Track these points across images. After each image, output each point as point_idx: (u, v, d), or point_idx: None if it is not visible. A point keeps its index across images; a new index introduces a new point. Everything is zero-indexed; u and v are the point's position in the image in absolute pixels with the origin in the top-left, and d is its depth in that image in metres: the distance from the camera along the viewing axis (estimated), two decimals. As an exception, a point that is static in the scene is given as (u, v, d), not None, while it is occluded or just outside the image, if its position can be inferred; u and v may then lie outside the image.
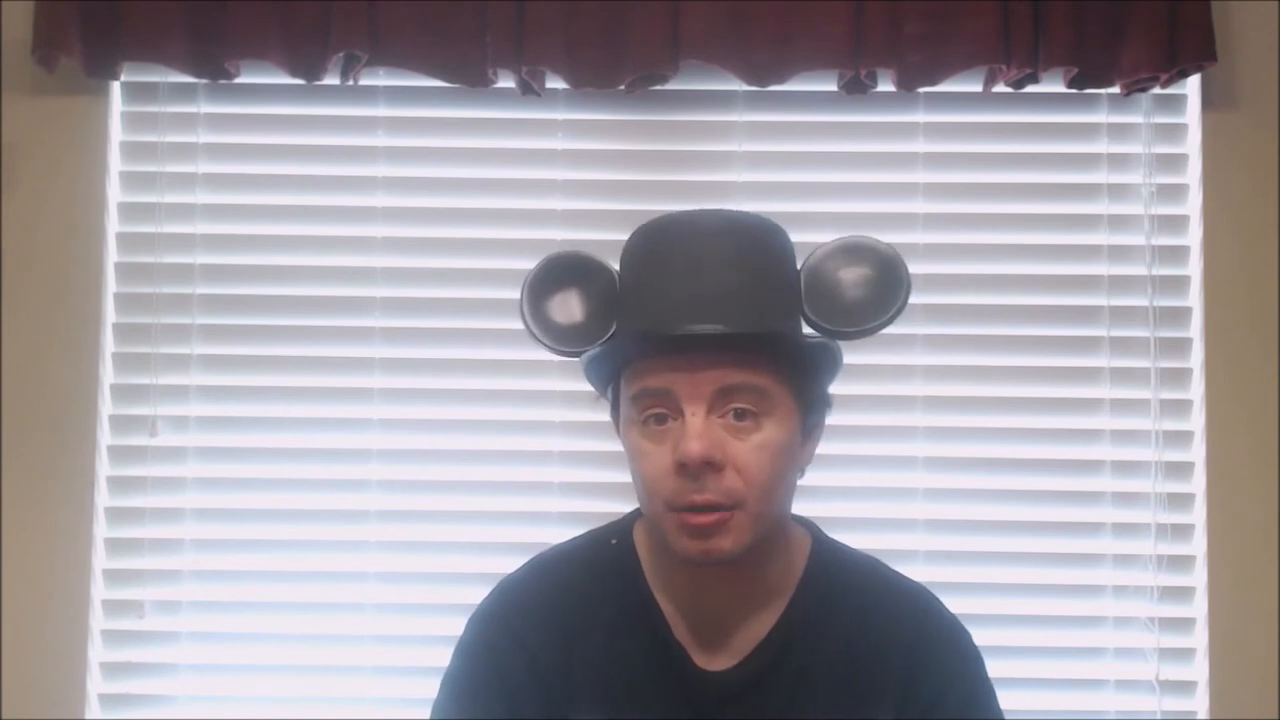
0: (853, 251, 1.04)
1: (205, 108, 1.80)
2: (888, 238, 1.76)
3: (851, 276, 1.02)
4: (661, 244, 1.01)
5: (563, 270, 1.05)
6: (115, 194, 1.80)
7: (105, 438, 1.77)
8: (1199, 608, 1.74)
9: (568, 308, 1.04)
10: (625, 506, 1.16)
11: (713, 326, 0.95)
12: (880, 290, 1.02)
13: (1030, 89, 1.73)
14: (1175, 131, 1.80)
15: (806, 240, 1.07)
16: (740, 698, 1.05)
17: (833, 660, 1.05)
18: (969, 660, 1.09)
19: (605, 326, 1.03)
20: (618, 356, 1.01)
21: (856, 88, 1.73)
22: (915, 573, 1.15)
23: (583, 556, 1.11)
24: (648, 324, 0.97)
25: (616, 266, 1.05)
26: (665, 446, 0.96)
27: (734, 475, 0.95)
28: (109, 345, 1.78)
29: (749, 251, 1.00)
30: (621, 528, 1.13)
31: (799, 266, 1.04)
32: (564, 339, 1.03)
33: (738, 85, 1.75)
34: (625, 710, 1.05)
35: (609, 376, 1.05)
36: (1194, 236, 1.78)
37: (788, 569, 1.08)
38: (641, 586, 1.08)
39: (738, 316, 0.96)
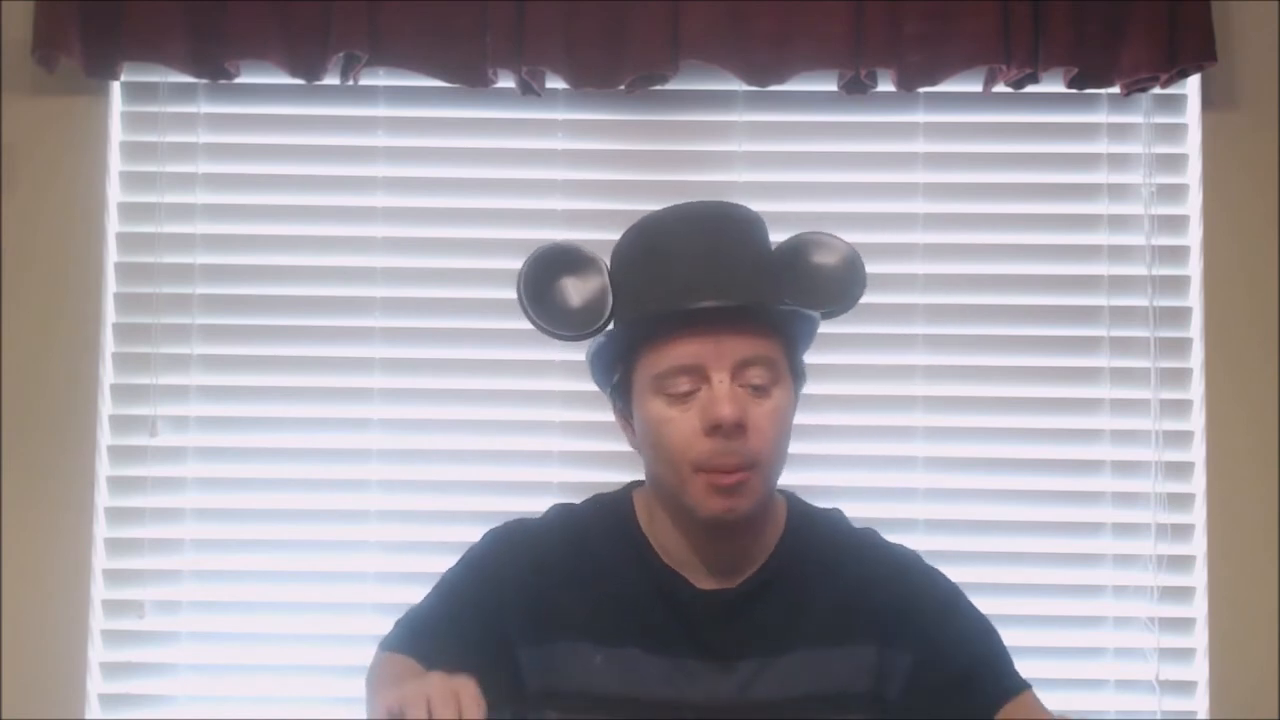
0: (820, 245, 1.14)
1: (205, 108, 1.80)
2: (888, 238, 1.79)
3: (823, 263, 1.13)
4: (666, 231, 1.10)
5: (557, 259, 1.13)
6: (115, 194, 1.80)
7: (105, 438, 1.77)
8: (1199, 608, 1.74)
9: (568, 293, 1.11)
10: (625, 507, 1.17)
11: (740, 301, 1.05)
12: (847, 277, 1.13)
13: (1030, 89, 1.73)
14: (1175, 131, 1.80)
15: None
16: (732, 614, 1.11)
17: (816, 593, 1.13)
18: (944, 586, 1.19)
19: (603, 311, 1.11)
20: (638, 334, 1.08)
21: (856, 88, 1.73)
22: (915, 572, 1.17)
23: (590, 510, 1.20)
24: (673, 301, 1.05)
25: (605, 259, 1.14)
26: (691, 413, 1.04)
27: (755, 437, 1.04)
28: (109, 345, 1.78)
29: (745, 234, 1.10)
30: (620, 493, 1.21)
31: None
32: (569, 323, 1.11)
33: (738, 85, 1.75)
34: (617, 630, 1.11)
35: (618, 358, 1.11)
36: (1194, 236, 1.78)
37: (771, 528, 1.15)
38: (636, 531, 1.15)
39: (755, 292, 1.06)
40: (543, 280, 1.11)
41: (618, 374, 1.12)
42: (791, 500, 1.20)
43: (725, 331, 1.04)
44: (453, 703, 0.91)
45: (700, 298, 1.04)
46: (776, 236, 1.14)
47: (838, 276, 1.12)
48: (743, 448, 1.03)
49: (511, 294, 1.12)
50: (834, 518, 1.21)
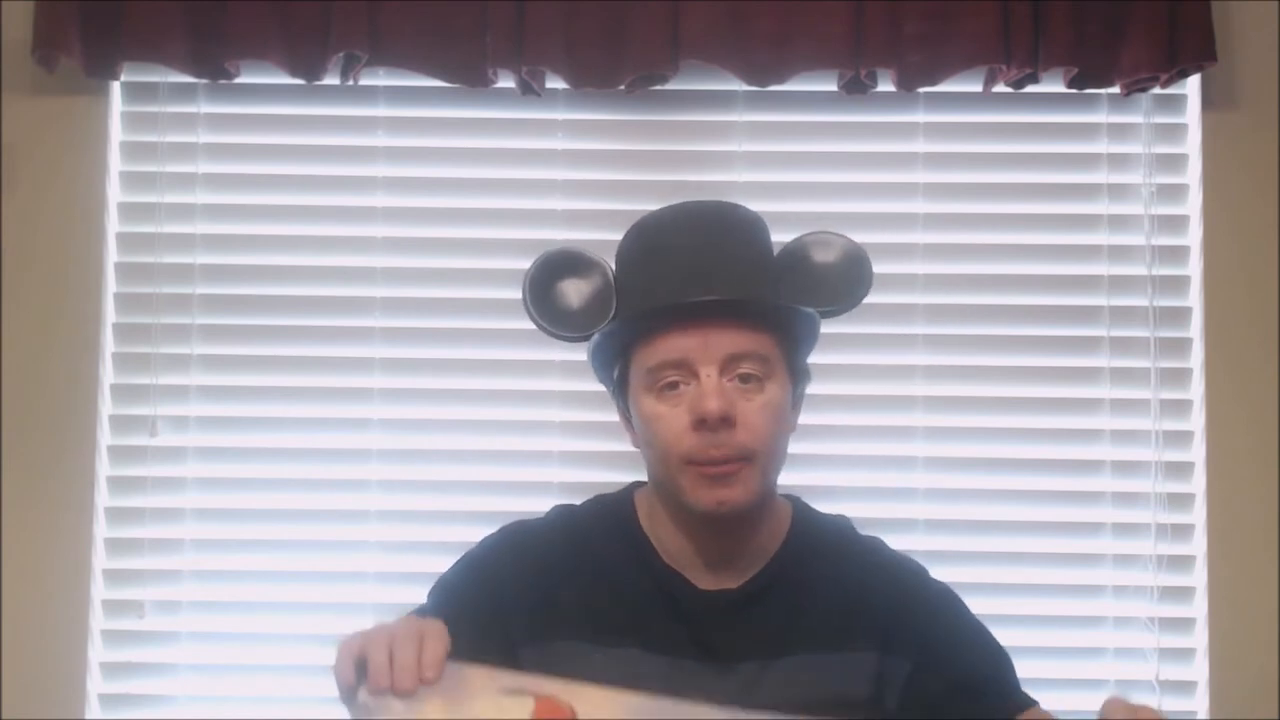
0: (823, 244, 1.14)
1: (205, 108, 1.80)
2: (888, 238, 1.79)
3: (824, 261, 1.13)
4: (663, 229, 1.11)
5: (560, 263, 1.14)
6: (115, 194, 1.80)
7: (105, 438, 1.77)
8: (1199, 608, 1.74)
9: (570, 296, 1.12)
10: (625, 507, 1.17)
11: (727, 295, 1.05)
12: (851, 274, 1.13)
13: (1030, 89, 1.73)
14: (1175, 131, 1.80)
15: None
16: (733, 615, 1.11)
17: (818, 597, 1.13)
18: (949, 599, 1.19)
19: (606, 310, 1.11)
20: (630, 332, 1.09)
21: (856, 88, 1.73)
22: (915, 573, 1.17)
23: (591, 511, 1.21)
24: (663, 297, 1.06)
25: (610, 262, 1.14)
26: (680, 408, 1.05)
27: (744, 430, 1.04)
28: (109, 345, 1.78)
29: (742, 231, 1.11)
30: (622, 493, 1.21)
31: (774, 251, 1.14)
32: (570, 324, 1.12)
33: (738, 85, 1.75)
34: (617, 630, 1.11)
35: (616, 356, 1.12)
36: (1194, 236, 1.78)
37: (773, 532, 1.15)
38: (637, 531, 1.16)
39: (745, 287, 1.07)
40: (546, 283, 1.12)
41: (616, 371, 1.13)
42: (797, 505, 1.20)
43: (714, 326, 1.05)
44: (415, 641, 0.92)
45: (690, 293, 1.05)
46: (777, 236, 1.14)
47: (840, 274, 1.12)
48: (731, 440, 1.04)
49: (512, 294, 1.14)
50: (840, 524, 1.21)
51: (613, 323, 1.11)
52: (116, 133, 1.80)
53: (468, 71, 1.70)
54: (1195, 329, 1.77)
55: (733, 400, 1.04)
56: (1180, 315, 1.78)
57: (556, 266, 1.13)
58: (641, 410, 1.08)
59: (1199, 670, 1.74)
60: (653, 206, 1.14)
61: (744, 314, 1.06)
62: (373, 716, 0.92)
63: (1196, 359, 1.77)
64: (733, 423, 1.03)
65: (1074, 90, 1.73)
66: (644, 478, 1.18)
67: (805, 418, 1.16)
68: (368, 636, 0.93)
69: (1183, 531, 1.75)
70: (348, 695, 0.94)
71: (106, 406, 1.78)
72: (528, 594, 1.13)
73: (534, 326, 1.13)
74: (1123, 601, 1.75)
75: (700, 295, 1.05)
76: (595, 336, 1.11)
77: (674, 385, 1.06)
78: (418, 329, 1.79)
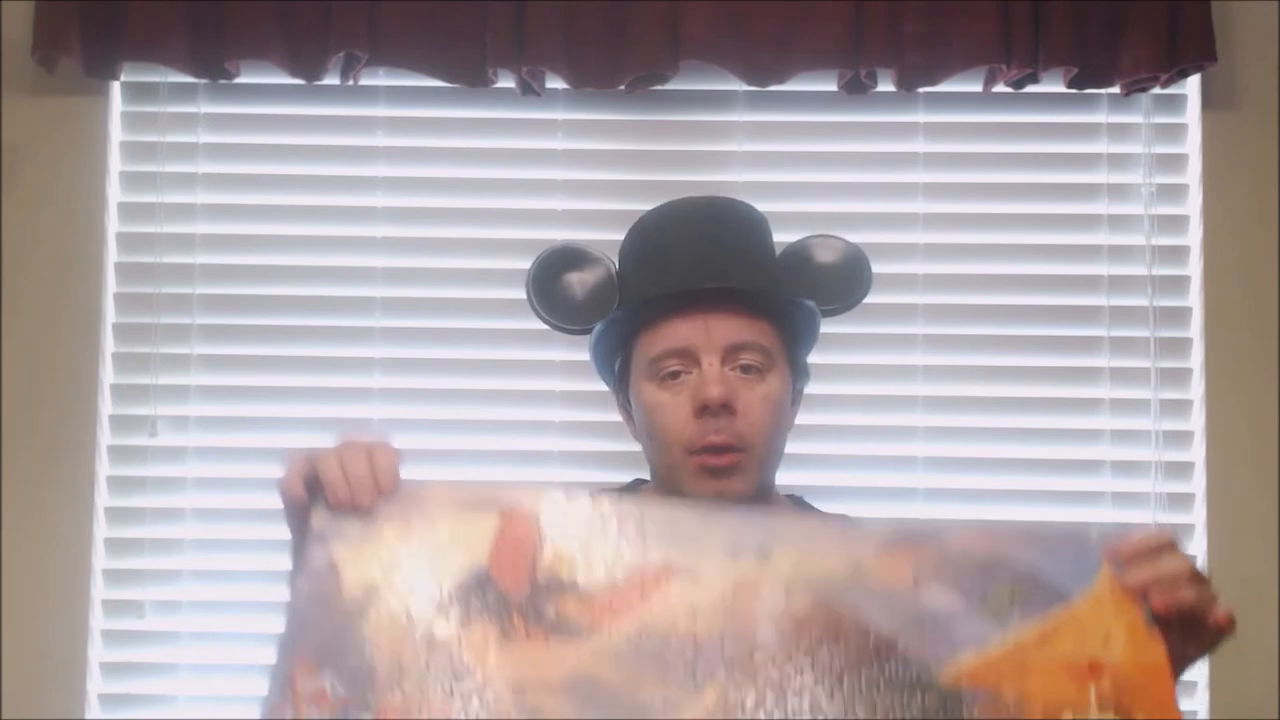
0: (826, 245, 1.16)
1: (205, 108, 1.80)
2: (888, 238, 1.79)
3: (825, 261, 1.14)
4: (665, 222, 1.13)
5: (563, 258, 1.15)
6: (115, 194, 1.80)
7: (105, 438, 1.77)
8: (1199, 608, 1.74)
9: (574, 289, 1.14)
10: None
11: (729, 284, 1.06)
12: (851, 275, 1.14)
13: (1030, 89, 1.74)
14: (1175, 131, 1.80)
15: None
16: None
17: None
18: None
19: (610, 303, 1.12)
20: (633, 321, 1.10)
21: (856, 88, 1.73)
22: (915, 573, 1.16)
23: None
24: (666, 285, 1.07)
25: (612, 257, 1.15)
26: (682, 397, 1.06)
27: (744, 420, 1.05)
28: (109, 345, 1.78)
29: (745, 225, 1.13)
30: (625, 488, 1.20)
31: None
32: (574, 317, 1.13)
33: (738, 85, 1.75)
34: None
35: (618, 347, 1.13)
36: (1194, 236, 1.78)
37: None
38: None
39: (747, 277, 1.08)
40: (549, 277, 1.13)
41: (618, 362, 1.14)
42: (799, 503, 1.20)
43: (716, 314, 1.06)
44: (364, 454, 0.92)
45: (693, 281, 1.06)
46: (778, 237, 1.14)
47: (840, 275, 1.13)
48: (731, 427, 1.04)
49: (512, 293, 1.14)
50: None
51: (616, 311, 1.11)
52: (116, 133, 1.80)
53: (467, 71, 1.70)
54: (1195, 329, 1.77)
55: (735, 389, 1.04)
56: (1180, 315, 1.78)
57: (560, 261, 1.14)
58: (643, 399, 1.09)
59: (1199, 671, 1.73)
60: (653, 207, 1.15)
61: (745, 303, 1.07)
62: (328, 543, 0.90)
63: (1196, 359, 1.77)
64: (734, 410, 1.04)
65: (1074, 90, 1.73)
66: (645, 476, 1.18)
67: (805, 418, 1.16)
68: (314, 454, 0.93)
69: (1183, 532, 1.75)
70: (297, 518, 0.93)
71: (106, 406, 1.78)
72: None
73: (537, 322, 1.13)
74: (1123, 601, 1.75)
75: (703, 283, 1.06)
76: (598, 327, 1.12)
77: (676, 374, 1.06)
78: (418, 329, 1.79)
